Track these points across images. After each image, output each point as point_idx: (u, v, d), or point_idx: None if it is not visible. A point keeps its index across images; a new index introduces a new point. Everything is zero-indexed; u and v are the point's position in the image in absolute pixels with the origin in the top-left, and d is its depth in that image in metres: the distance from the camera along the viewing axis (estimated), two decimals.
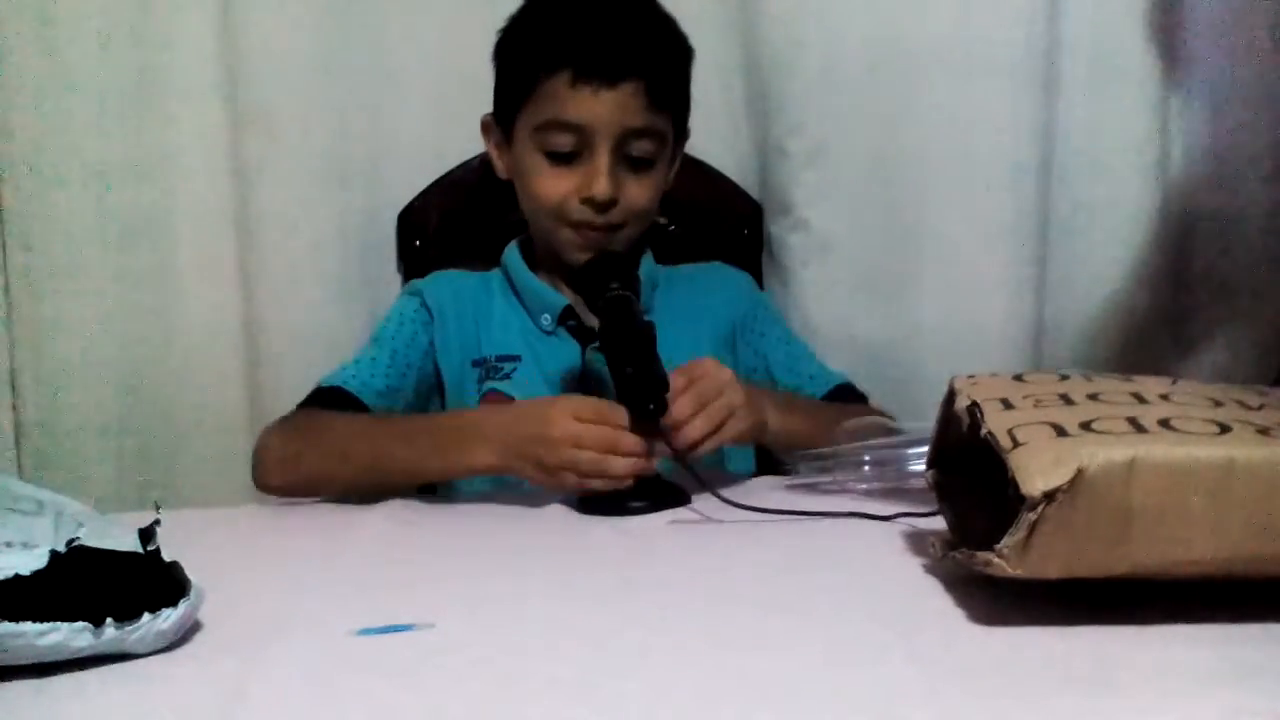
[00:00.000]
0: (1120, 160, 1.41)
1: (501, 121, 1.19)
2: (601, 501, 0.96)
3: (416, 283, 1.26)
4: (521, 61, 1.15)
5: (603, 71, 1.10)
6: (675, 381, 0.97)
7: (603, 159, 1.12)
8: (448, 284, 1.25)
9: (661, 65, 1.15)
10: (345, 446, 1.06)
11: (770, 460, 1.31)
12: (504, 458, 0.99)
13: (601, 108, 1.11)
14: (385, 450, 1.04)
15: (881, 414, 1.16)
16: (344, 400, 1.13)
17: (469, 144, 1.34)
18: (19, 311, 1.30)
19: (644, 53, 1.13)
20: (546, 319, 1.21)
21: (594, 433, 0.95)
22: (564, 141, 1.12)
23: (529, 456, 0.97)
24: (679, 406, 0.97)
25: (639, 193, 1.15)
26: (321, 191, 1.37)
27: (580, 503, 0.98)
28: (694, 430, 0.97)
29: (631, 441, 0.95)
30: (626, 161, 1.14)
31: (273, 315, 1.36)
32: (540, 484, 0.98)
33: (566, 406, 0.98)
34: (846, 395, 1.23)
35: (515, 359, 1.20)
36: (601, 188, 1.12)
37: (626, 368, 0.96)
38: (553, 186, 1.14)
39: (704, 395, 0.98)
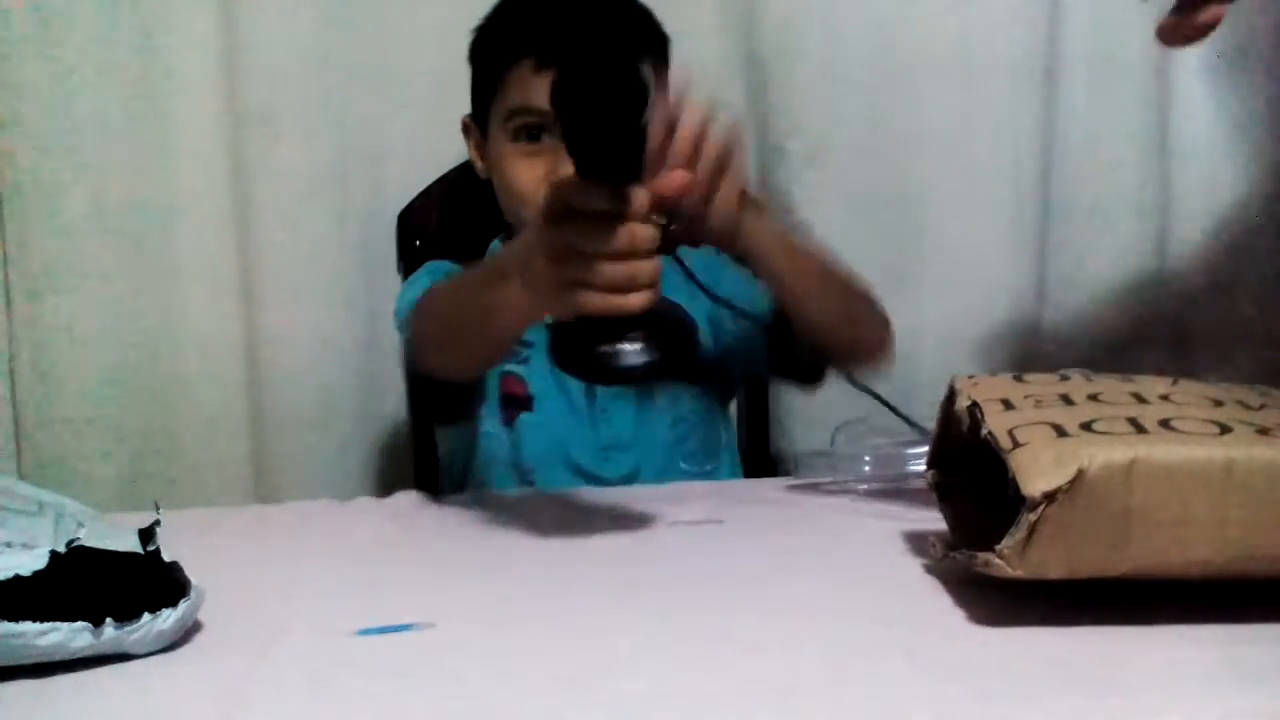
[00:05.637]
0: (1120, 160, 1.41)
1: (478, 120, 1.21)
2: (595, 362, 0.78)
3: (427, 264, 1.25)
4: (488, 57, 1.17)
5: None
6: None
7: None
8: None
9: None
10: (447, 314, 0.99)
11: (766, 462, 1.32)
12: (531, 293, 0.81)
13: None
14: (470, 307, 0.93)
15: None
16: None
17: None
18: (19, 312, 1.30)
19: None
20: None
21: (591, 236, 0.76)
22: (528, 123, 1.13)
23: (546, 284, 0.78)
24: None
25: None
26: (321, 191, 1.37)
27: (564, 360, 0.81)
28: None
29: (645, 235, 0.75)
30: None
31: (272, 315, 1.36)
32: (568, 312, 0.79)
33: (538, 225, 0.79)
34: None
35: (529, 344, 1.19)
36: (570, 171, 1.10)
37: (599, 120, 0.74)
38: (525, 173, 1.13)
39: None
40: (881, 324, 1.11)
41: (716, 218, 0.86)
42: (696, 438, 1.22)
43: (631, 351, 0.76)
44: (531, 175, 1.13)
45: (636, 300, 0.75)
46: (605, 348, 0.76)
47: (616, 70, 0.72)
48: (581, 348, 0.77)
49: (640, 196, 0.74)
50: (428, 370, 1.04)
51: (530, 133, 1.13)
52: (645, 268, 0.75)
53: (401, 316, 1.16)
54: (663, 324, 0.77)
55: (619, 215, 0.74)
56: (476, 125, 1.21)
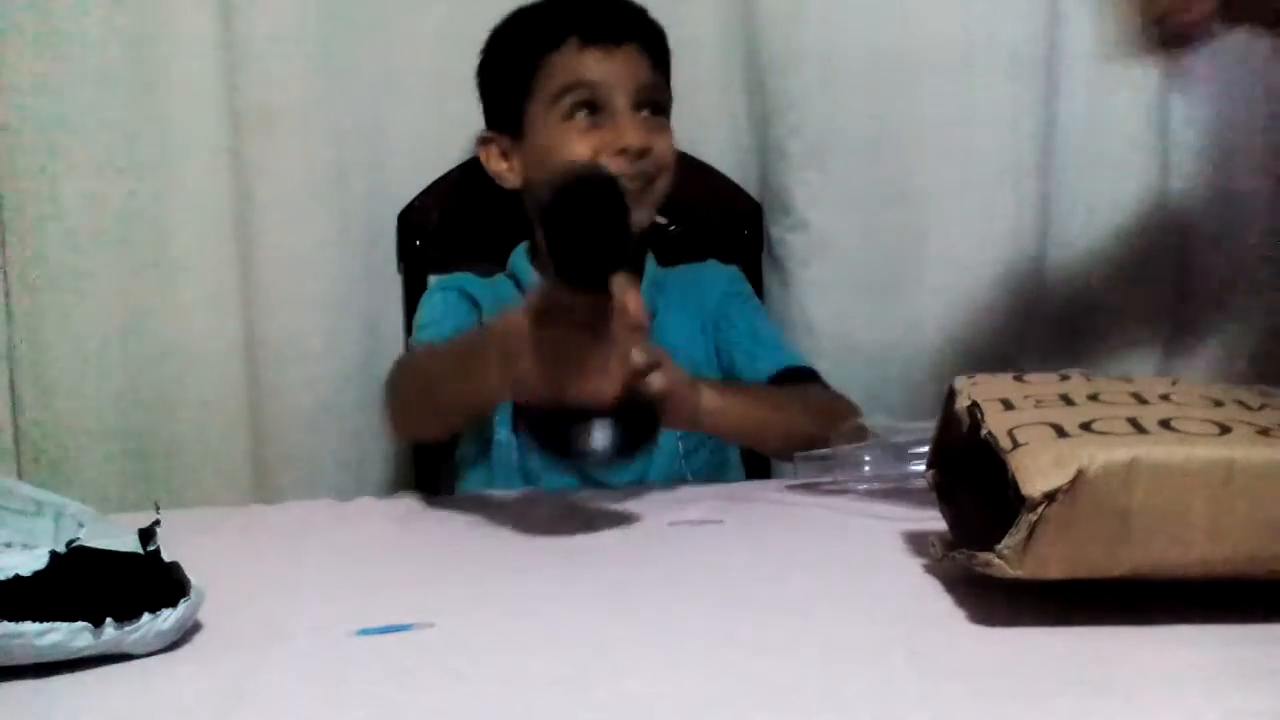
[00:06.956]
0: (1120, 159, 1.41)
1: (505, 125, 1.22)
2: (566, 443, 0.86)
3: (443, 280, 1.27)
4: (523, 51, 1.20)
5: (606, 35, 1.17)
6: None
7: (626, 112, 1.16)
8: (470, 285, 1.26)
9: (652, 30, 1.22)
10: (424, 381, 1.04)
11: (764, 463, 1.32)
12: (507, 378, 0.85)
13: (613, 66, 1.17)
14: (447, 380, 0.98)
15: (835, 395, 1.18)
16: None
17: (469, 144, 1.34)
18: (19, 312, 1.30)
19: (636, 19, 1.21)
20: None
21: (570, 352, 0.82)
22: (584, 98, 1.16)
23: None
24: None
25: (664, 144, 1.19)
26: (321, 191, 1.37)
27: (537, 439, 0.89)
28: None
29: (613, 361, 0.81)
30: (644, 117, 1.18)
31: (272, 315, 1.36)
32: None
33: (528, 323, 0.82)
34: (795, 377, 1.20)
35: None
36: (634, 136, 1.15)
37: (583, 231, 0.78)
38: (585, 146, 1.16)
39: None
40: (842, 414, 1.09)
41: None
42: (705, 450, 1.22)
43: (599, 436, 0.85)
44: (590, 148, 1.16)
45: (611, 390, 0.83)
46: (575, 428, 0.85)
47: (604, 185, 0.80)
48: (553, 429, 0.86)
49: (619, 302, 0.80)
50: (396, 432, 1.09)
51: (589, 108, 1.17)
52: (618, 365, 0.83)
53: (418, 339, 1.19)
54: (628, 409, 0.85)
55: (602, 320, 0.80)
56: (503, 133, 1.23)
